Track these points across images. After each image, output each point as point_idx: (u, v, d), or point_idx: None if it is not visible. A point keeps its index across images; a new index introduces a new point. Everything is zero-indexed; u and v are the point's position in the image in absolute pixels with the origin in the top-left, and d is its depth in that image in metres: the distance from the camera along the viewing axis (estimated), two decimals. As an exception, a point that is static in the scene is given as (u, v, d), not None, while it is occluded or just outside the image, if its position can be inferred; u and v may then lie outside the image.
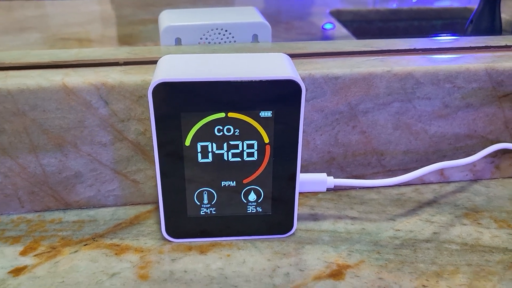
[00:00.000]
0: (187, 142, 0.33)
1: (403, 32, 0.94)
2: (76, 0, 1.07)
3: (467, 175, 0.44)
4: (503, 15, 0.68)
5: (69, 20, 0.89)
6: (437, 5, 0.98)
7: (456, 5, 0.98)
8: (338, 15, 0.90)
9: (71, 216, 0.39)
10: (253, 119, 0.32)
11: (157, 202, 0.40)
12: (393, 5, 1.04)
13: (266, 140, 0.33)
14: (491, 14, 0.61)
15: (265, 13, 0.50)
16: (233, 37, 0.43)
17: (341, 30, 0.81)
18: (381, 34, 0.93)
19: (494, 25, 0.62)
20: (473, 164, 0.43)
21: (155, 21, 0.85)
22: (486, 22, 0.61)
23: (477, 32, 0.62)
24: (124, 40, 0.75)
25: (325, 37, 0.79)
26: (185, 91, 0.31)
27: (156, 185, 0.40)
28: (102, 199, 0.40)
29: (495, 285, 0.33)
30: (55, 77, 0.35)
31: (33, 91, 0.35)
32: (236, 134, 0.33)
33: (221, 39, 0.43)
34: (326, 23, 0.84)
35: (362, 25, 0.94)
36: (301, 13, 0.93)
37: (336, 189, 0.43)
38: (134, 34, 0.78)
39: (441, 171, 0.43)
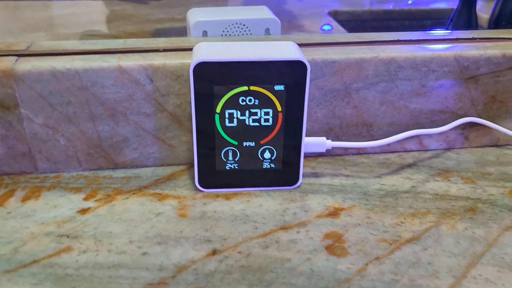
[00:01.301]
0: (218, 110, 0.42)
1: (395, 31, 1.03)
2: (98, 0, 1.16)
3: (441, 144, 0.53)
4: (483, 15, 0.77)
5: (92, 18, 0.98)
6: (427, 6, 1.07)
7: (443, 6, 1.07)
8: (335, 15, 0.99)
9: (119, 173, 0.49)
10: (269, 91, 0.42)
11: (189, 163, 0.50)
12: (390, 6, 1.13)
13: (279, 108, 0.42)
14: (468, 13, 0.70)
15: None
16: (249, 31, 0.53)
17: (339, 29, 0.90)
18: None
19: (470, 23, 0.71)
20: (446, 135, 0.53)
21: (171, 20, 0.95)
22: (464, 20, 0.71)
23: (456, 29, 0.72)
24: (145, 36, 0.84)
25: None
26: (218, 69, 0.40)
27: (188, 149, 0.49)
28: (144, 160, 0.49)
29: (456, 222, 0.42)
30: (112, 60, 0.45)
31: (95, 70, 0.44)
32: (255, 103, 0.42)
33: (240, 32, 0.53)
34: (325, 24, 0.93)
35: (358, 24, 1.03)
36: (301, 14, 1.02)
37: (333, 154, 0.52)
38: (153, 31, 0.87)
39: (420, 141, 0.53)
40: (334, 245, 0.39)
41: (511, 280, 0.36)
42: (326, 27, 0.91)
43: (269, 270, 0.36)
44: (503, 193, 0.46)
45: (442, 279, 0.36)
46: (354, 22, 1.03)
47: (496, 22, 0.70)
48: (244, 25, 0.52)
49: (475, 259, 0.38)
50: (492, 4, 0.70)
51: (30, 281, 0.35)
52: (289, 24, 0.91)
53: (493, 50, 0.49)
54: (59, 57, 0.45)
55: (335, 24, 0.93)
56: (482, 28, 0.77)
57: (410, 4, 1.09)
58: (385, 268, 0.37)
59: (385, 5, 1.17)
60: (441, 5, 1.07)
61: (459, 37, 0.53)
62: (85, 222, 0.42)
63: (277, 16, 0.54)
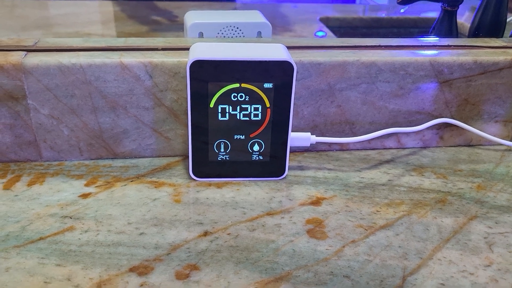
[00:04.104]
0: (211, 105, 0.46)
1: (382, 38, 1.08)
2: (95, 0, 1.19)
3: (418, 142, 0.57)
4: (468, 24, 0.81)
5: (91, 18, 1.02)
6: (416, 15, 1.12)
7: (431, 16, 1.11)
8: (327, 22, 1.03)
9: (118, 163, 0.52)
10: (259, 88, 0.45)
11: (184, 155, 0.54)
12: (382, 14, 1.18)
13: (268, 105, 0.46)
14: (449, 23, 0.75)
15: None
16: (242, 33, 0.56)
17: (329, 35, 0.94)
18: (364, 39, 1.06)
19: (451, 31, 0.75)
20: (422, 134, 0.57)
21: (168, 21, 0.98)
22: (445, 29, 0.75)
23: (438, 36, 0.76)
24: (142, 36, 0.88)
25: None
26: (212, 67, 0.44)
27: (183, 142, 0.53)
28: (141, 151, 0.53)
29: (427, 212, 0.46)
30: (114, 56, 0.48)
31: (99, 65, 0.48)
32: (246, 99, 0.46)
33: (233, 34, 0.56)
34: (319, 30, 0.97)
35: (348, 31, 1.07)
36: (294, 19, 1.06)
37: (318, 149, 0.56)
38: (150, 32, 0.91)
39: (398, 139, 0.57)
40: (315, 230, 0.43)
41: (471, 262, 0.40)
42: (320, 33, 0.96)
43: (255, 250, 0.40)
44: (472, 188, 0.50)
45: (410, 260, 0.40)
46: (345, 29, 1.07)
47: (475, 32, 0.74)
48: (237, 28, 0.56)
49: (441, 244, 0.42)
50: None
51: (37, 255, 0.39)
52: (282, 29, 0.95)
53: (465, 56, 0.53)
54: (65, 53, 0.49)
55: (326, 30, 0.97)
56: (463, 36, 0.82)
57: (399, 13, 1.13)
58: (360, 250, 0.41)
59: (378, 13, 1.21)
60: (429, 15, 1.12)
61: (435, 44, 0.57)
62: (86, 206, 0.45)
63: (271, 22, 0.58)
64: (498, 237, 0.43)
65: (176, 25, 0.93)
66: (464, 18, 0.96)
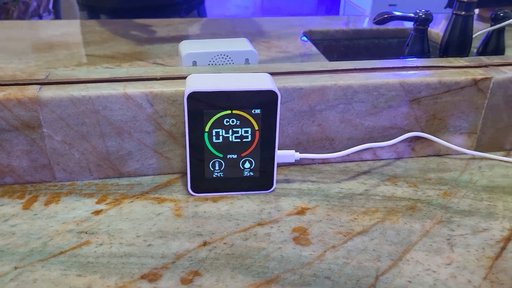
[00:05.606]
0: (207, 129, 0.52)
1: (364, 49, 1.14)
2: (92, 20, 1.24)
3: (392, 154, 0.64)
4: (440, 32, 0.88)
5: (88, 39, 1.07)
6: (393, 26, 1.18)
7: (408, 26, 1.18)
8: (310, 35, 1.10)
9: (124, 181, 0.58)
10: (248, 114, 0.52)
11: (182, 172, 0.60)
12: (365, 19, 1.24)
13: (256, 128, 0.53)
14: (421, 41, 0.81)
15: (248, 32, 0.68)
16: (232, 61, 0.63)
17: (312, 48, 1.01)
18: (347, 51, 1.13)
19: (423, 48, 0.82)
20: (396, 146, 0.63)
21: (159, 40, 1.04)
22: (417, 46, 0.82)
23: (411, 53, 0.83)
24: (137, 56, 0.94)
25: (298, 55, 0.99)
26: (207, 97, 0.50)
27: (181, 161, 0.59)
28: (145, 170, 0.59)
29: (399, 218, 0.53)
30: (119, 88, 0.54)
31: (106, 96, 0.54)
32: (237, 124, 0.52)
33: (224, 61, 0.63)
34: (302, 36, 1.05)
35: (331, 43, 1.13)
36: (279, 33, 1.13)
37: (302, 163, 0.62)
38: (144, 51, 0.96)
39: (374, 152, 0.63)
40: (300, 237, 0.49)
41: (434, 261, 0.46)
42: (304, 38, 1.03)
43: (248, 257, 0.46)
44: (439, 195, 0.57)
45: (383, 262, 0.46)
46: (328, 41, 1.13)
47: (444, 50, 0.81)
48: (227, 56, 0.62)
49: (410, 246, 0.48)
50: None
51: (59, 267, 0.45)
52: (268, 44, 1.01)
53: (431, 77, 0.60)
54: (75, 85, 0.55)
55: (309, 44, 1.04)
56: (437, 46, 0.89)
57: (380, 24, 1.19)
58: (339, 254, 0.47)
59: (361, 19, 1.27)
60: (408, 25, 1.18)
61: (405, 65, 0.64)
62: (99, 221, 0.51)
63: (257, 36, 0.63)
64: (458, 238, 0.50)
65: (167, 43, 0.99)
66: (441, 27, 1.03)
